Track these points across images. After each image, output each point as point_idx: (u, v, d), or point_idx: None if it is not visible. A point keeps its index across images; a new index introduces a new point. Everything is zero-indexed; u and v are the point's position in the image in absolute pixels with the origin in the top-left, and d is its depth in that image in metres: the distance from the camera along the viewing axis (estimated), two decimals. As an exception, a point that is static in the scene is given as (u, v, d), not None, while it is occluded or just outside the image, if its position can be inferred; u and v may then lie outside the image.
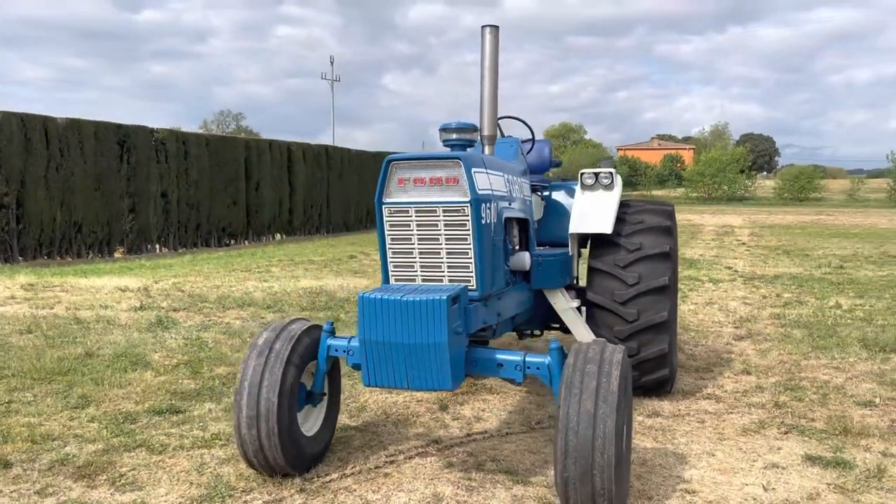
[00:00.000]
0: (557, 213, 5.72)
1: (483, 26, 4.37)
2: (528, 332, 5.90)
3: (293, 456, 3.90)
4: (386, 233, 3.91)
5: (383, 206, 3.87)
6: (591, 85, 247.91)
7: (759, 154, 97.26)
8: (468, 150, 4.45)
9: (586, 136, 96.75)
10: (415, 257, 3.90)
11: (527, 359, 3.76)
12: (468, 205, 3.74)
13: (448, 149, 4.52)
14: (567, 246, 5.43)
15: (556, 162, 6.61)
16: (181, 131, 20.57)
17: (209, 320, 8.51)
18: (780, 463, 4.23)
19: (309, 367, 4.11)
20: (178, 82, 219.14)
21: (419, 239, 3.87)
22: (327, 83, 60.05)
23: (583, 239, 5.58)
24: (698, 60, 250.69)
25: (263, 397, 3.78)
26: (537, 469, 4.15)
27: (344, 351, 4.08)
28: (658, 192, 60.45)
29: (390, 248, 3.93)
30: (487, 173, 4.00)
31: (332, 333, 4.13)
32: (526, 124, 5.75)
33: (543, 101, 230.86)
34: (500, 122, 5.61)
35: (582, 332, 5.22)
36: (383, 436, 4.71)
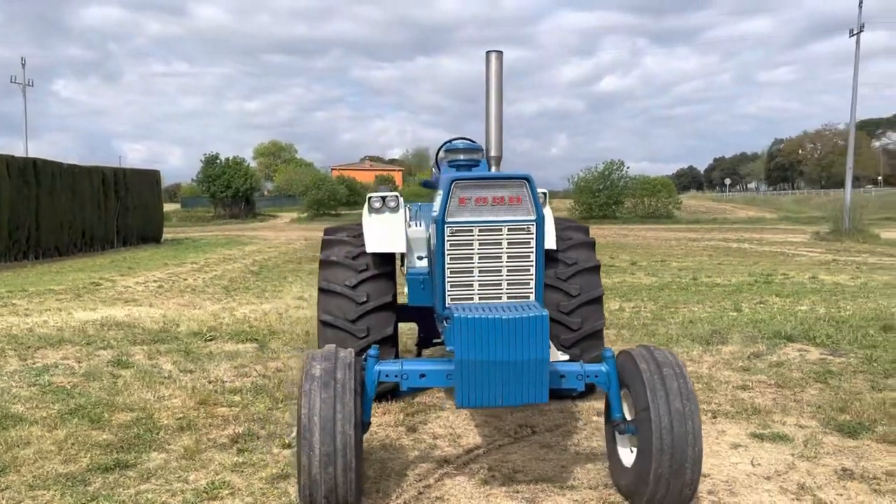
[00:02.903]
0: None
1: (488, 52, 4.49)
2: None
3: (359, 492, 3.67)
4: (446, 252, 3.87)
5: (446, 226, 3.84)
6: (289, 103, 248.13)
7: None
8: (473, 169, 4.58)
9: (297, 155, 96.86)
10: (474, 276, 3.92)
11: (585, 368, 3.98)
12: (534, 223, 3.86)
13: (454, 169, 4.61)
14: None
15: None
16: None
17: (34, 363, 7.28)
18: (739, 443, 4.92)
19: None
20: None
21: (480, 258, 3.90)
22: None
23: None
24: (391, 86, 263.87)
25: (339, 431, 3.52)
26: (564, 475, 4.36)
27: (396, 376, 3.94)
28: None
29: (449, 268, 3.89)
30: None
31: (377, 359, 3.96)
32: (472, 142, 5.91)
33: (241, 118, 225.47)
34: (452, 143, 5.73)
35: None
36: (389, 462, 4.56)
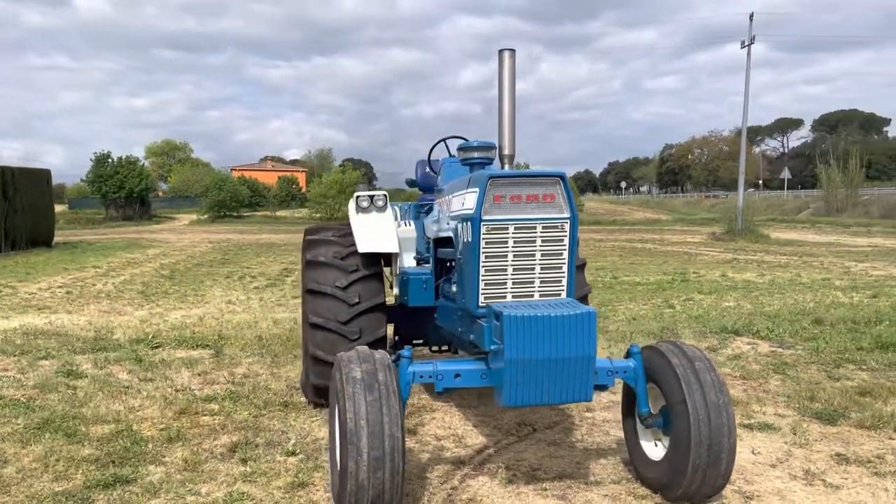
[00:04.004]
0: None
1: (500, 50, 4.47)
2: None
3: (402, 498, 3.58)
4: (482, 250, 3.82)
5: (482, 224, 3.79)
6: (179, 101, 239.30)
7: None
8: (487, 167, 4.56)
9: (193, 155, 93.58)
10: (508, 273, 3.89)
11: (614, 364, 4.02)
12: (567, 221, 3.88)
13: (468, 168, 4.58)
14: None
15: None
16: None
17: (-30, 375, 6.70)
18: (731, 433, 5.10)
19: None
20: None
21: (514, 255, 3.87)
22: None
23: None
24: (288, 85, 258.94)
25: (387, 434, 3.42)
26: (583, 471, 4.41)
27: (430, 376, 3.86)
28: (282, 213, 61.28)
29: (484, 266, 3.84)
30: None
31: (411, 360, 3.87)
32: (465, 140, 5.86)
33: (128, 115, 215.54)
34: (446, 142, 5.70)
35: None
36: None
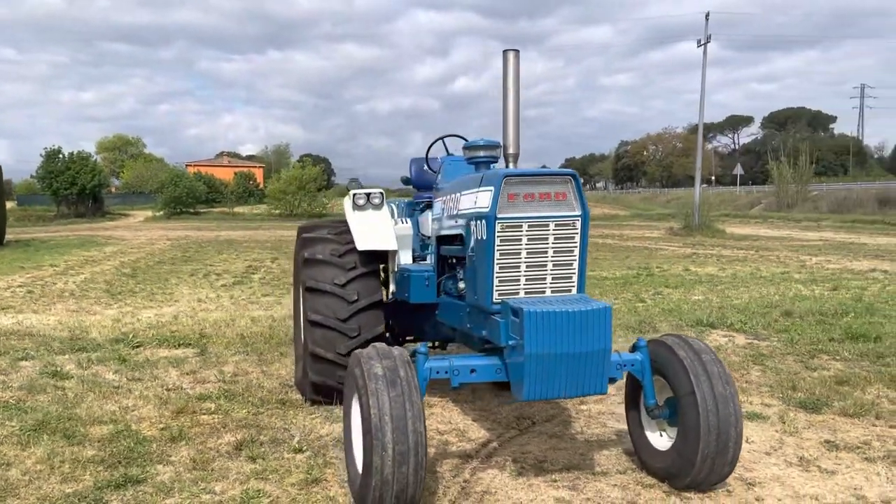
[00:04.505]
0: None
1: (505, 50, 4.55)
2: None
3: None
4: (496, 248, 3.89)
5: (497, 222, 3.86)
6: (129, 95, 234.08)
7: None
8: (492, 166, 4.64)
9: (146, 150, 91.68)
10: (521, 271, 3.97)
11: (623, 357, 4.14)
12: (579, 218, 3.97)
13: (473, 167, 4.66)
14: None
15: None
16: None
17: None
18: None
19: None
20: None
21: (528, 253, 3.96)
22: None
23: None
24: (241, 80, 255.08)
25: (411, 430, 3.48)
26: (588, 462, 4.52)
27: (446, 372, 3.93)
28: (240, 209, 60.51)
29: (498, 263, 3.92)
30: None
31: (427, 356, 3.93)
32: (465, 139, 5.92)
33: (74, 109, 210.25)
34: (444, 140, 5.75)
35: None
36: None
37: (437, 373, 3.93)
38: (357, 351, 3.88)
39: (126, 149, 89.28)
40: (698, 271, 16.65)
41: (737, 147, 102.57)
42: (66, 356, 7.44)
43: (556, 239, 3.97)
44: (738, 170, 59.66)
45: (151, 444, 4.76)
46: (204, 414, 5.45)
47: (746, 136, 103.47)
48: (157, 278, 15.80)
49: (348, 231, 5.67)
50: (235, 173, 73.97)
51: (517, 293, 3.98)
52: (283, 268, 17.71)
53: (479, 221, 3.99)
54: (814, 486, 4.11)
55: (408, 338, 6.27)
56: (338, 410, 5.48)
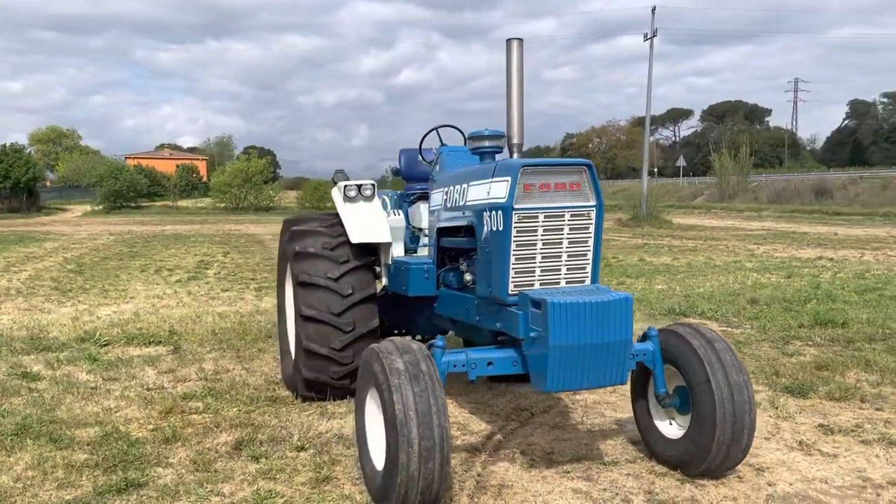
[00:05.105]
0: None
1: (508, 39, 4.50)
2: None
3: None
4: (513, 239, 3.84)
5: (514, 213, 3.81)
6: (60, 85, 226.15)
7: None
8: (497, 156, 4.59)
9: (82, 142, 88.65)
10: (536, 261, 3.93)
11: (636, 347, 4.14)
12: (594, 209, 3.95)
13: (477, 157, 4.60)
14: None
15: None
16: None
17: None
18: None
19: None
20: None
21: (543, 244, 3.92)
22: None
23: None
24: (179, 70, 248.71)
25: (436, 424, 3.42)
26: (596, 452, 4.53)
27: (463, 365, 3.87)
28: (185, 203, 59.06)
29: (514, 254, 3.87)
30: None
31: (444, 349, 3.87)
32: (460, 131, 5.85)
33: (1, 100, 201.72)
34: (438, 130, 5.67)
35: None
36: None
37: (455, 366, 3.88)
38: (373, 346, 3.80)
39: (61, 141, 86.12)
40: (654, 261, 16.93)
41: (677, 139, 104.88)
42: (32, 356, 7.13)
43: (571, 229, 3.94)
44: (681, 161, 60.87)
45: (145, 445, 4.58)
46: (193, 413, 5.28)
47: (687, 128, 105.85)
48: (105, 274, 15.30)
49: (339, 224, 5.56)
50: (177, 166, 72.10)
51: (532, 284, 3.95)
52: (236, 262, 17.37)
53: (494, 212, 3.93)
54: (820, 470, 4.19)
55: (395, 331, 6.18)
56: (332, 406, 5.38)
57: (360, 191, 5.52)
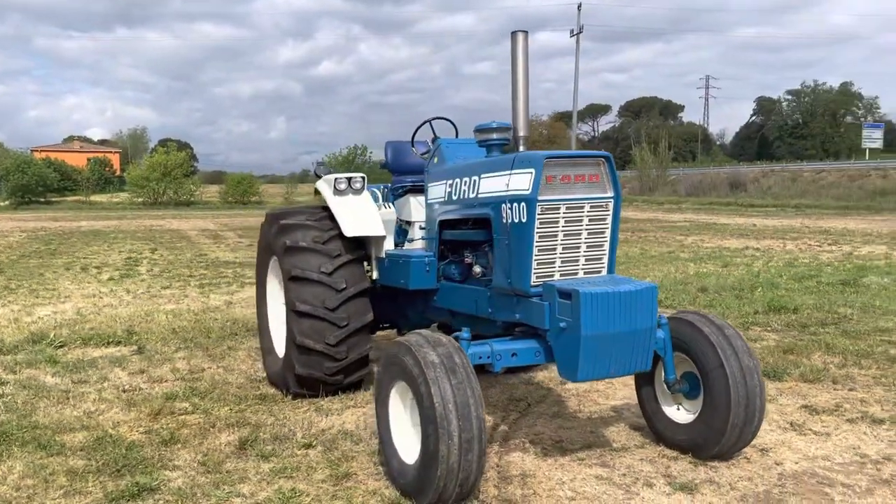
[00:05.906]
0: None
1: (513, 32, 4.51)
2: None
3: (479, 478, 3.59)
4: (536, 230, 3.86)
5: (538, 204, 3.83)
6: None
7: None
8: (503, 148, 4.61)
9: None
10: (556, 252, 3.96)
11: (649, 335, 4.22)
12: (612, 200, 4.02)
13: (484, 149, 4.61)
14: None
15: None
16: None
17: None
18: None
19: None
20: None
21: (564, 235, 3.95)
22: None
23: None
24: (85, 59, 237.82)
25: (474, 416, 3.42)
26: (603, 440, 4.62)
27: (488, 357, 3.88)
28: (99, 198, 56.69)
29: (537, 245, 3.89)
30: None
31: (469, 341, 3.86)
32: (452, 123, 5.81)
33: None
34: (431, 122, 5.63)
35: None
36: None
37: (480, 357, 3.88)
38: (400, 339, 3.76)
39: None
40: (592, 253, 17.27)
41: (596, 134, 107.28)
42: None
43: (589, 220, 4.00)
44: (602, 156, 62.43)
45: (143, 448, 4.40)
46: (183, 414, 5.10)
47: (605, 123, 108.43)
48: (27, 273, 14.52)
49: (327, 217, 5.46)
50: (89, 159, 68.92)
51: (552, 275, 3.98)
52: (167, 259, 16.82)
53: (515, 204, 3.93)
54: (819, 449, 4.40)
55: (383, 325, 6.12)
56: (326, 403, 5.30)
57: (349, 184, 5.44)
